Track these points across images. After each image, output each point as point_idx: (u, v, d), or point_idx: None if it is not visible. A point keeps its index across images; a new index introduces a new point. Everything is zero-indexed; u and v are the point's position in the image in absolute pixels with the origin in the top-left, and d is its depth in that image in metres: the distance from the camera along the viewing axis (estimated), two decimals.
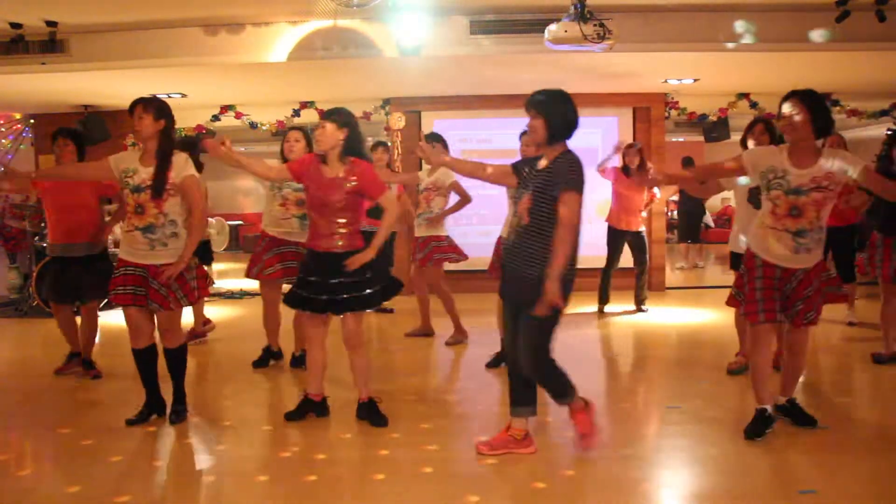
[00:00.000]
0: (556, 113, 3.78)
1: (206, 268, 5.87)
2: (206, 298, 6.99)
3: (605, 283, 8.23)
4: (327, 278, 4.27)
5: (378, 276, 4.41)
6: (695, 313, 8.23)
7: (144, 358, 4.47)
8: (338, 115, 4.31)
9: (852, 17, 6.50)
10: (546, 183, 3.69)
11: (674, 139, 14.79)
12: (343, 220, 4.29)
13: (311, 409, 4.55)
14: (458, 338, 6.75)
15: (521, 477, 3.74)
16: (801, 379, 4.51)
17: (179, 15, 6.69)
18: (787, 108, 3.99)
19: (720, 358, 5.78)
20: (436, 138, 6.46)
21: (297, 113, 9.90)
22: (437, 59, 7.26)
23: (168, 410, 4.56)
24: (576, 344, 6.58)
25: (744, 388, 5.00)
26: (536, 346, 3.77)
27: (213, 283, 6.45)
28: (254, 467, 3.87)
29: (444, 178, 6.55)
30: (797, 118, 3.94)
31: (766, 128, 5.33)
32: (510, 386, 4.04)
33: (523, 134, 5.31)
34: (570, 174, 3.67)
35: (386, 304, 5.91)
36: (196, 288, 4.49)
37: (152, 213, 4.24)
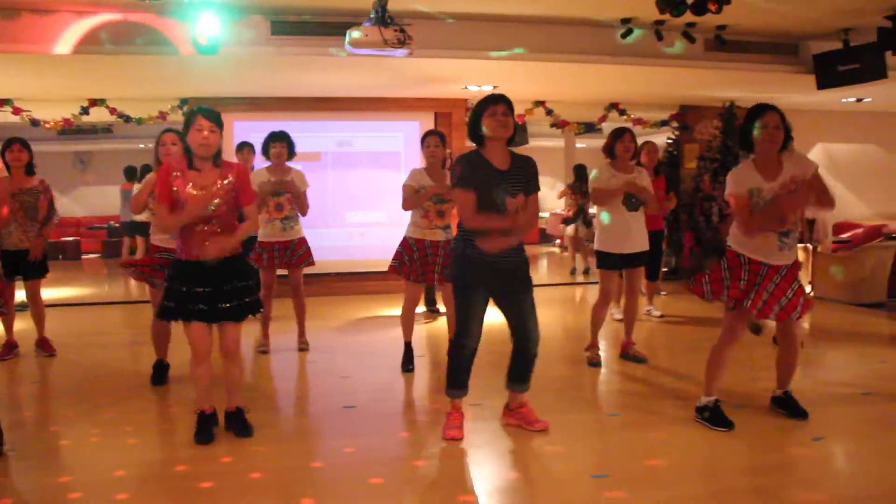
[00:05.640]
0: None
1: None
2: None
3: None
4: None
5: None
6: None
7: None
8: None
9: (635, 34, 7.04)
10: None
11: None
12: None
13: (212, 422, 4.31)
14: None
15: (358, 474, 3.75)
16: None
17: None
18: (773, 120, 4.18)
19: None
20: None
21: (85, 111, 9.31)
22: (237, 59, 7.05)
23: None
24: (381, 346, 6.62)
25: (541, 384, 5.22)
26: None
27: None
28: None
29: (300, 182, 6.34)
30: (779, 131, 4.18)
31: (633, 136, 5.84)
32: (517, 364, 4.40)
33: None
34: None
35: None
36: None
37: None
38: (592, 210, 13.13)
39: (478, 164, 4.10)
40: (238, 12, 6.55)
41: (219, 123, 4.10)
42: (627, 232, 5.80)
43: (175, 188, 4.06)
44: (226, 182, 4.13)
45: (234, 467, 3.87)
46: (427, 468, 3.93)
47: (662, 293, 9.12)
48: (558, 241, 16.40)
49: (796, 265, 4.40)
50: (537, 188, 4.23)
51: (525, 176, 4.15)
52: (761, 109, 4.26)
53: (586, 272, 11.46)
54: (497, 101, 4.09)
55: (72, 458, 4.10)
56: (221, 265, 4.13)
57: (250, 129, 8.59)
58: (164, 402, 5.14)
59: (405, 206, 5.64)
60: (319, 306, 8.40)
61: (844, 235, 9.59)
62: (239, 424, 4.31)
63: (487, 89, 9.14)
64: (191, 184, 4.07)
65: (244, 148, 7.61)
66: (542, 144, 15.89)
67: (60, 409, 5.08)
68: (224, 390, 4.37)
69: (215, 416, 4.35)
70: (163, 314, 4.18)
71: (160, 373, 5.52)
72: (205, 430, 4.23)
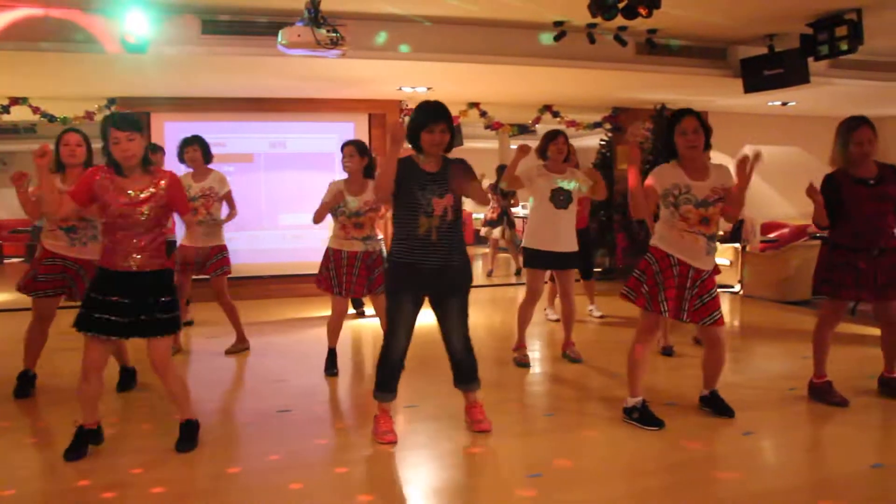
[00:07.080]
0: None
1: None
2: None
3: None
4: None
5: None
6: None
7: None
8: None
9: (568, 37, 7.12)
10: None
11: (408, 145, 15.21)
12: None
13: (89, 439, 4.05)
14: (240, 346, 6.61)
15: (280, 482, 3.66)
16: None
17: None
18: (690, 125, 4.28)
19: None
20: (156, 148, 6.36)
21: (6, 109, 8.99)
22: (167, 59, 6.88)
23: None
24: (316, 348, 6.55)
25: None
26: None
27: None
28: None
29: (219, 186, 6.30)
30: (699, 135, 4.27)
31: (566, 139, 5.86)
32: (459, 370, 4.39)
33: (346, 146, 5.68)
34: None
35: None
36: None
37: None
38: (516, 210, 13.29)
39: (406, 167, 4.17)
40: (167, 10, 6.40)
41: (136, 128, 3.88)
42: (556, 230, 5.83)
43: (101, 194, 3.87)
44: (156, 190, 3.96)
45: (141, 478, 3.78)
46: (360, 471, 3.90)
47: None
48: None
49: (717, 271, 4.54)
50: (474, 177, 4.30)
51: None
52: (679, 116, 4.37)
53: (517, 273, 11.53)
54: (437, 119, 4.13)
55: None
56: (147, 277, 3.96)
57: (182, 130, 8.35)
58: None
59: (314, 220, 5.66)
60: (255, 309, 8.28)
61: (772, 235, 9.86)
62: (181, 437, 4.15)
63: (421, 91, 9.13)
64: (128, 189, 3.89)
65: (156, 152, 7.43)
66: (476, 146, 15.90)
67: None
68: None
69: (98, 432, 4.09)
70: (78, 323, 3.90)
71: (25, 384, 5.17)
72: (79, 446, 3.98)
